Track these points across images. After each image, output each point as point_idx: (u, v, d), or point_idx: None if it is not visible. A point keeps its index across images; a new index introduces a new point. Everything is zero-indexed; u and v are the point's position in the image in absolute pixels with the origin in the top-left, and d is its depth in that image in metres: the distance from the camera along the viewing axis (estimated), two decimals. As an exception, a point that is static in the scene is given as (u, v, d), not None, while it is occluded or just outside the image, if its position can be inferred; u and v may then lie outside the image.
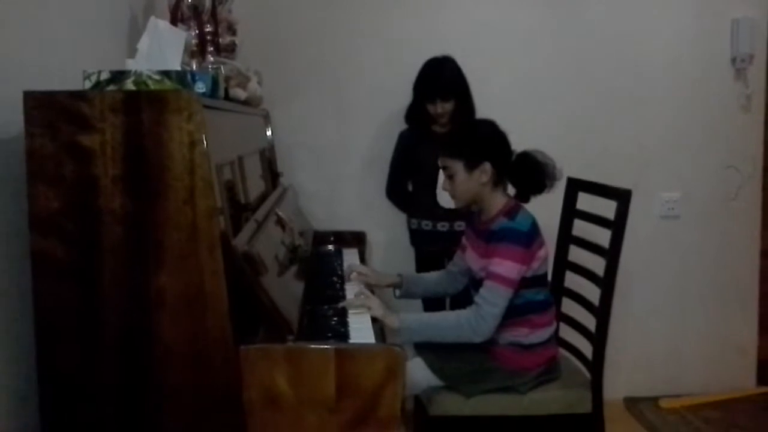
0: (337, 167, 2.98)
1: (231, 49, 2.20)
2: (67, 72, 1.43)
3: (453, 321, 1.92)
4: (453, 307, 2.40)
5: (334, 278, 2.22)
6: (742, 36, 2.99)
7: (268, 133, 2.61)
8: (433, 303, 2.61)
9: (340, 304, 1.91)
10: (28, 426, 1.38)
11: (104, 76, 1.37)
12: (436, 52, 2.63)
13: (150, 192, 1.29)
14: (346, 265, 2.31)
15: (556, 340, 2.13)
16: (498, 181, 1.99)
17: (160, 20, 1.55)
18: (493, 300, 1.86)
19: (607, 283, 2.04)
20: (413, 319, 1.96)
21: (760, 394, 3.16)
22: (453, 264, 2.24)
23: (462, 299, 2.18)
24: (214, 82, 1.54)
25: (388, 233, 2.97)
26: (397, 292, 2.25)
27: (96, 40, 1.80)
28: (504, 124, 2.02)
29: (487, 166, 1.95)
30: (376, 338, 1.70)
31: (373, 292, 2.12)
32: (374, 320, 1.83)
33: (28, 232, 1.29)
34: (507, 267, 1.87)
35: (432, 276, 2.32)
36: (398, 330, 1.89)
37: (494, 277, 1.87)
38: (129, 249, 1.30)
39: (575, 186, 2.32)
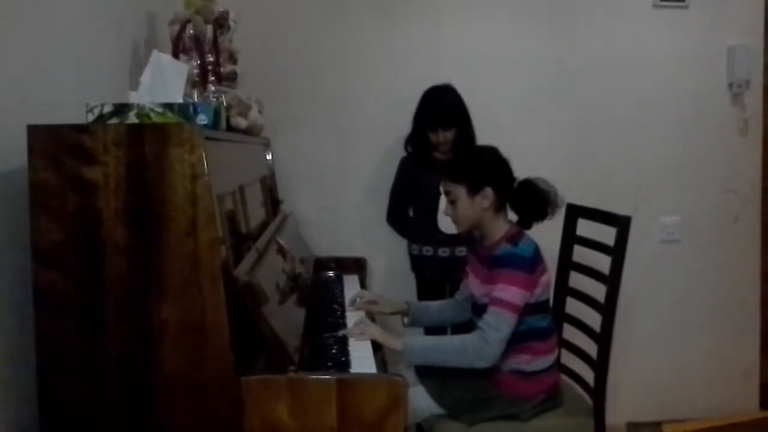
0: (337, 193, 2.99)
1: (232, 78, 2.21)
2: (71, 105, 1.44)
3: (457, 345, 1.90)
4: (455, 333, 2.39)
5: (335, 305, 2.21)
6: (739, 62, 3.03)
7: (269, 160, 2.62)
8: (435, 329, 2.59)
9: (340, 333, 1.91)
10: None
11: (107, 109, 1.37)
12: (436, 80, 2.65)
13: (152, 224, 1.29)
14: (353, 292, 2.29)
15: (558, 366, 2.12)
16: (500, 207, 2.00)
17: (162, 54, 1.57)
18: (497, 325, 1.85)
19: (608, 309, 2.04)
20: (417, 341, 1.96)
21: (763, 419, 3.14)
22: (460, 293, 2.22)
23: (465, 326, 2.17)
24: (216, 113, 1.55)
25: (388, 259, 2.98)
26: (405, 320, 2.24)
27: (99, 73, 1.81)
28: (504, 150, 2.03)
29: (489, 192, 1.95)
30: (378, 367, 1.69)
31: (373, 319, 2.11)
32: (376, 346, 1.83)
33: (31, 264, 1.29)
34: (511, 293, 1.86)
35: (439, 304, 2.29)
36: (401, 352, 1.88)
37: (498, 303, 1.86)
38: (131, 280, 1.30)
39: (575, 212, 2.33)
